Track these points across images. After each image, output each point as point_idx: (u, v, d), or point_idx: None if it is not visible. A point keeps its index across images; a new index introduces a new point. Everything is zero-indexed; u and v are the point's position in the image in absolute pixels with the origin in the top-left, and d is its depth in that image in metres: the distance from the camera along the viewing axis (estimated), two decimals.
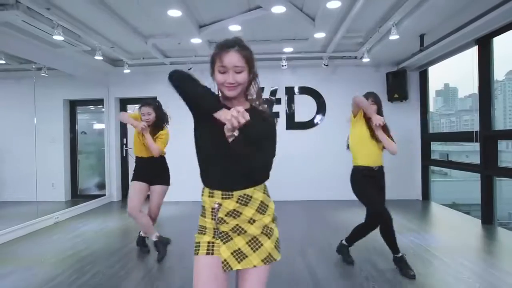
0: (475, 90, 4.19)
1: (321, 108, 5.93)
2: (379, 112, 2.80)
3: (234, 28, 4.08)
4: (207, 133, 1.29)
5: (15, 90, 5.98)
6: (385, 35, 4.22)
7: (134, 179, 3.11)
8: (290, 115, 6.02)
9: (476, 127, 4.19)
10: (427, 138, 5.64)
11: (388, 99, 5.69)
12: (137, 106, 3.18)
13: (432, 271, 2.76)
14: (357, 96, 2.78)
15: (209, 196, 1.30)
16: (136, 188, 3.05)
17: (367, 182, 2.73)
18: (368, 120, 2.77)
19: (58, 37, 3.61)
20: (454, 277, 2.62)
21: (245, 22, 3.98)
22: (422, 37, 4.13)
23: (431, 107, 5.93)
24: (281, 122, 5.94)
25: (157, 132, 3.06)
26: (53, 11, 3.46)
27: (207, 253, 1.28)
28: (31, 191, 6.08)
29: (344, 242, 3.01)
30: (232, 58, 1.24)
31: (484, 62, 4.01)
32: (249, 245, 1.29)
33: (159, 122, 3.09)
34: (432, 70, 5.64)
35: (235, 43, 1.28)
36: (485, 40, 3.94)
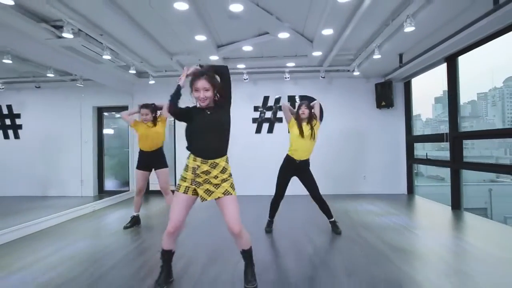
0: (475, 97, 5.02)
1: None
2: (312, 114, 3.69)
3: (247, 48, 4.97)
4: (193, 123, 2.22)
5: (52, 98, 6.87)
6: (370, 54, 5.10)
7: (139, 167, 4.05)
8: None
9: None
10: (411, 139, 6.50)
11: (376, 106, 6.57)
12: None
13: (406, 241, 3.58)
14: (282, 103, 3.90)
15: (193, 160, 2.19)
16: (143, 175, 4.06)
17: (289, 169, 3.65)
18: (298, 121, 3.65)
19: (107, 57, 4.50)
20: (422, 244, 3.46)
21: (255, 44, 4.87)
22: (401, 56, 5.02)
23: (431, 114, 6.68)
24: (283, 127, 6.81)
25: (155, 122, 4.06)
26: (104, 36, 4.35)
27: (184, 192, 2.22)
28: (62, 187, 6.95)
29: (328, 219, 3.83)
30: (202, 83, 2.14)
31: (452, 77, 4.88)
32: (214, 187, 2.21)
33: (155, 119, 4.06)
34: (428, 77, 6.12)
35: (205, 73, 2.17)
36: (452, 58, 4.81)
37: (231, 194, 2.24)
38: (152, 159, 4.06)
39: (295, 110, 3.74)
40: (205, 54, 5.16)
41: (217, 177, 2.20)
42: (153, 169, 4.11)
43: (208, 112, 2.22)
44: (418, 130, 7.13)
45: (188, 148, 2.25)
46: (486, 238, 3.54)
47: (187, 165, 2.24)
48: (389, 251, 3.13)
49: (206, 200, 2.22)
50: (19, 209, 5.48)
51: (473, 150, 4.70)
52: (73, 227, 4.29)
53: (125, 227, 4.07)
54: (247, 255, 2.37)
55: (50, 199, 6.54)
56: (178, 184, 2.26)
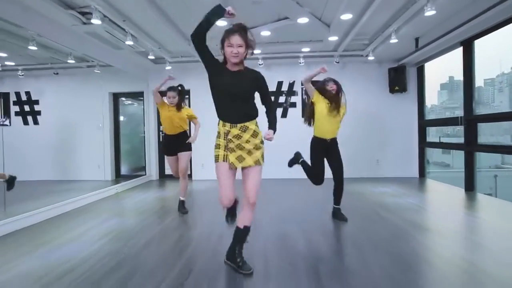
0: (481, 83, 5.02)
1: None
2: (339, 93, 3.51)
3: (265, 33, 5.04)
4: (220, 84, 2.17)
5: (69, 84, 7.00)
6: (386, 38, 5.15)
7: (167, 154, 4.06)
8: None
9: None
10: (423, 124, 6.59)
11: (389, 90, 6.64)
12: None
13: (425, 219, 3.73)
14: (303, 77, 3.59)
15: (223, 126, 2.21)
16: (173, 160, 4.08)
17: (320, 149, 3.52)
18: (326, 96, 3.48)
19: (129, 42, 4.59)
20: (441, 222, 3.61)
21: (274, 29, 4.93)
22: (417, 40, 5.06)
23: (436, 100, 6.70)
24: (297, 112, 6.91)
25: (180, 110, 3.94)
26: (127, 22, 4.43)
27: (224, 160, 2.22)
28: (80, 171, 7.14)
29: (334, 206, 3.71)
30: (236, 38, 2.09)
31: (467, 60, 4.94)
32: (246, 153, 2.21)
33: (180, 104, 3.95)
34: (436, 63, 6.29)
35: (239, 29, 2.12)
36: (468, 42, 4.85)
37: (261, 165, 2.27)
38: (176, 142, 4.01)
39: (322, 85, 3.54)
40: None
41: (249, 141, 2.20)
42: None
43: (235, 73, 2.18)
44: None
45: (217, 113, 2.26)
46: (502, 216, 3.69)
47: (218, 132, 2.26)
48: (410, 228, 3.27)
49: (235, 167, 2.23)
50: (44, 192, 5.69)
51: (478, 137, 4.84)
52: (102, 207, 4.49)
53: (184, 212, 4.03)
54: (245, 232, 2.34)
55: (71, 183, 6.74)
56: (216, 155, 2.25)
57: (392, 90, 6.58)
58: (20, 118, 7.11)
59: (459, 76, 5.18)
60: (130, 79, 7.03)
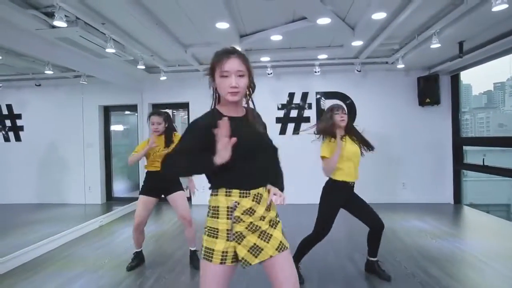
0: (491, 87, 4.21)
1: (352, 111, 5.94)
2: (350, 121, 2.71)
3: (276, 37, 4.19)
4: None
5: (54, 96, 6.24)
6: (422, 42, 4.27)
7: (144, 194, 3.03)
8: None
9: (492, 125, 4.18)
10: (459, 142, 5.65)
11: (419, 103, 5.73)
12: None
13: (484, 279, 2.81)
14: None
15: (225, 195, 1.36)
16: (145, 203, 3.03)
17: (340, 198, 2.67)
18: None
19: (110, 50, 3.78)
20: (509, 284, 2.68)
21: (286, 32, 4.08)
22: (461, 44, 4.17)
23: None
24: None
25: (169, 141, 3.04)
26: (107, 25, 3.62)
27: (221, 263, 1.34)
28: (68, 194, 6.36)
29: (370, 258, 2.87)
30: (234, 63, 1.33)
31: None
32: (261, 239, 1.38)
33: (169, 132, 3.09)
34: (474, 72, 5.50)
35: (235, 51, 1.38)
36: None
37: (287, 247, 1.43)
38: (162, 182, 3.01)
39: (328, 117, 2.63)
40: (225, 45, 4.35)
41: (264, 217, 1.40)
42: (162, 196, 3.10)
43: (240, 120, 1.42)
44: None
45: (214, 181, 1.42)
46: None
47: (216, 210, 1.38)
48: None
49: (249, 265, 1.36)
50: (17, 223, 4.91)
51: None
52: (74, 254, 3.62)
53: (129, 268, 3.10)
54: None
55: (55, 207, 6.02)
56: (208, 249, 1.37)
57: (422, 103, 5.67)
58: (0, 134, 6.39)
59: (467, 80, 4.39)
60: (122, 91, 6.23)
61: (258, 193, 1.40)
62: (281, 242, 1.41)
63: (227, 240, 1.35)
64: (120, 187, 6.94)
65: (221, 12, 3.30)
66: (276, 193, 1.42)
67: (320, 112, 5.95)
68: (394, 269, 2.97)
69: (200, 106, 6.47)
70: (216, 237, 1.36)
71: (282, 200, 1.41)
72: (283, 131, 6.04)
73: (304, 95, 6.06)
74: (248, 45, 4.49)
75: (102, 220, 4.89)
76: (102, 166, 6.46)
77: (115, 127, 6.81)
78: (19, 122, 6.39)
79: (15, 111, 6.40)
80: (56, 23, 2.89)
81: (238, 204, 1.36)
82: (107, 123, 6.57)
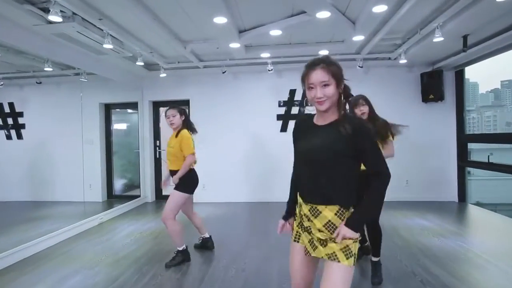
0: (498, 85, 4.12)
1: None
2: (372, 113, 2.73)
3: (275, 32, 4.13)
4: (296, 147, 1.57)
5: (55, 94, 6.25)
6: (425, 36, 4.18)
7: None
8: None
9: (499, 123, 4.09)
10: (464, 138, 5.55)
11: (422, 99, 5.63)
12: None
13: (488, 278, 2.74)
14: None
15: (300, 196, 1.54)
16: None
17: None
18: None
19: (108, 46, 3.74)
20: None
21: (286, 27, 4.02)
22: (465, 37, 4.07)
23: None
24: None
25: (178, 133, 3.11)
26: (104, 21, 3.59)
27: (295, 240, 1.57)
28: (69, 191, 6.37)
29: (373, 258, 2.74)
30: (317, 75, 1.38)
31: None
32: (319, 241, 1.44)
33: (184, 126, 3.14)
34: (479, 67, 5.44)
35: (321, 61, 1.39)
36: None
37: (339, 262, 1.37)
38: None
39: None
40: (225, 40, 4.34)
41: (321, 231, 1.42)
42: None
43: (323, 129, 1.46)
44: None
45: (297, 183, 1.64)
46: None
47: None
48: None
49: (310, 254, 1.48)
50: (17, 220, 4.92)
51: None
52: (73, 250, 3.59)
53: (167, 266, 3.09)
54: None
55: (56, 205, 6.04)
56: (293, 228, 1.62)
57: (425, 99, 5.57)
58: (2, 132, 6.40)
59: (474, 78, 4.30)
60: (123, 88, 6.21)
61: (315, 208, 1.44)
62: (335, 253, 1.39)
63: (298, 226, 1.56)
64: (121, 186, 6.94)
65: (218, 6, 3.24)
66: (338, 234, 1.35)
67: None
68: (395, 267, 2.91)
69: (200, 104, 6.50)
70: (295, 219, 1.60)
71: (342, 238, 1.36)
72: (284, 129, 5.98)
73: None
74: (248, 40, 4.44)
75: (102, 217, 4.87)
76: (103, 164, 6.45)
77: (116, 125, 6.80)
78: (21, 120, 6.40)
79: (17, 109, 6.40)
80: (52, 17, 2.86)
81: (301, 206, 1.51)
82: (108, 121, 6.56)
